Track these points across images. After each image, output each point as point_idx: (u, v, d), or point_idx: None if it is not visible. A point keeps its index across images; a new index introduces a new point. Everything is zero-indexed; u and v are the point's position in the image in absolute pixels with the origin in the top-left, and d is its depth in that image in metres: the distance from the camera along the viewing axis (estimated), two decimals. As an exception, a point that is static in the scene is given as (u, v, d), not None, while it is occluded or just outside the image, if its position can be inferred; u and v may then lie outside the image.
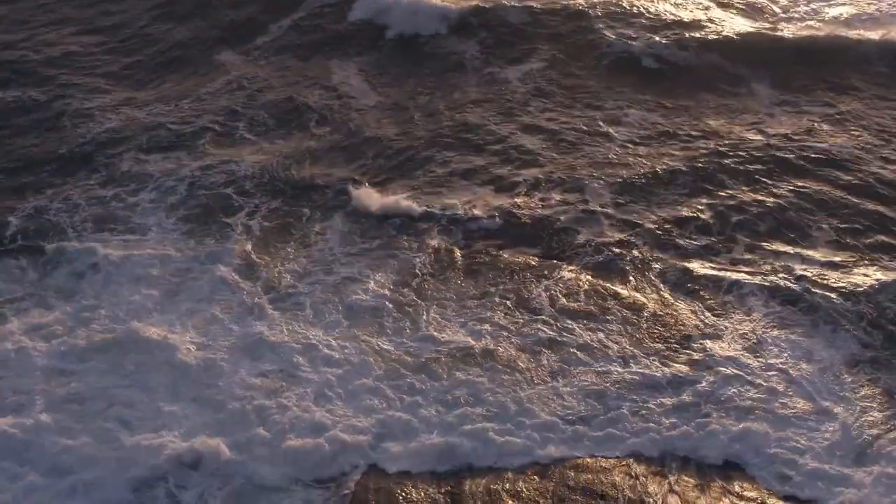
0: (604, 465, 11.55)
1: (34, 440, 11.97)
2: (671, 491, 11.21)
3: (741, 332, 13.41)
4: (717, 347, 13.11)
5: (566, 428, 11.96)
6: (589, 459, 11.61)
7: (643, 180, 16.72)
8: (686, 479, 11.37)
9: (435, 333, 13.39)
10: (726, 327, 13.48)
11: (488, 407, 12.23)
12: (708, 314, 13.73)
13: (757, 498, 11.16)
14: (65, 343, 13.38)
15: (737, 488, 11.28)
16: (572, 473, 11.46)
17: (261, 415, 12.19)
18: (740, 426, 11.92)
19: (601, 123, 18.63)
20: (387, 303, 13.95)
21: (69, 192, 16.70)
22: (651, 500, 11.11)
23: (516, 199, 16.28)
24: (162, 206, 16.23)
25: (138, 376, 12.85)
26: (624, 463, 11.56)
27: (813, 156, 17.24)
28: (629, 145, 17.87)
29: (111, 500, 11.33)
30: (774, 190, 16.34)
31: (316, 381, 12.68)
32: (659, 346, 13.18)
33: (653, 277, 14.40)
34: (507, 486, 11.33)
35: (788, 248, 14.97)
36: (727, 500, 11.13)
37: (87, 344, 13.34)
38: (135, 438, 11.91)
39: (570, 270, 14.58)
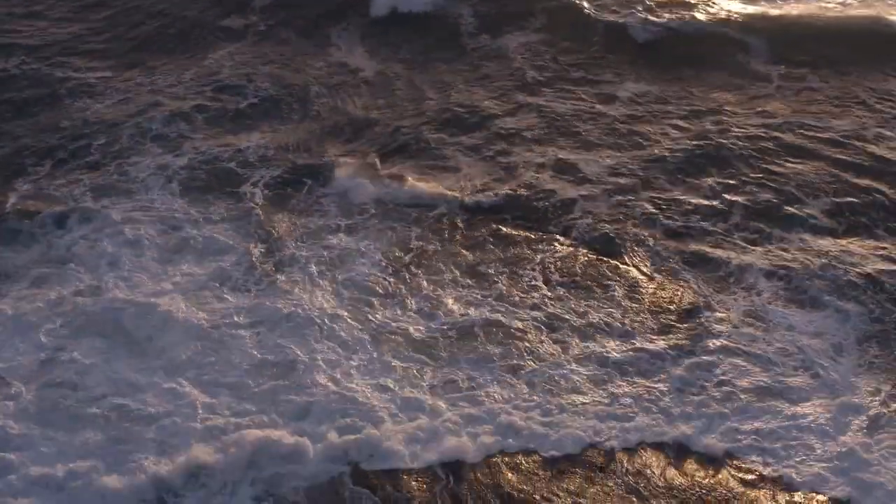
0: (605, 440, 11.55)
1: (24, 432, 11.56)
2: (670, 465, 11.27)
3: (745, 308, 13.39)
4: (720, 324, 13.09)
5: (566, 406, 11.95)
6: (590, 435, 11.60)
7: (641, 155, 16.71)
8: (687, 456, 11.39)
9: (433, 311, 13.34)
10: (729, 304, 13.45)
11: (487, 387, 12.19)
12: (710, 291, 13.70)
13: (761, 474, 11.16)
14: (61, 319, 13.17)
15: (739, 465, 11.28)
16: (570, 444, 11.48)
17: (271, 398, 12.02)
18: (744, 404, 11.91)
19: (598, 98, 18.60)
20: (384, 278, 13.92)
21: (70, 164, 16.66)
22: (650, 471, 11.19)
23: (514, 175, 16.24)
24: (163, 178, 16.19)
25: (139, 356, 12.64)
26: (625, 439, 11.55)
27: (812, 133, 17.21)
28: (627, 120, 17.84)
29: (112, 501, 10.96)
30: (775, 167, 16.31)
31: (318, 361, 12.53)
32: (660, 323, 13.17)
33: (653, 254, 14.38)
34: (507, 459, 11.37)
35: (791, 224, 14.97)
36: (726, 472, 11.18)
37: (86, 320, 13.15)
38: (137, 430, 11.59)
39: (570, 246, 14.58)
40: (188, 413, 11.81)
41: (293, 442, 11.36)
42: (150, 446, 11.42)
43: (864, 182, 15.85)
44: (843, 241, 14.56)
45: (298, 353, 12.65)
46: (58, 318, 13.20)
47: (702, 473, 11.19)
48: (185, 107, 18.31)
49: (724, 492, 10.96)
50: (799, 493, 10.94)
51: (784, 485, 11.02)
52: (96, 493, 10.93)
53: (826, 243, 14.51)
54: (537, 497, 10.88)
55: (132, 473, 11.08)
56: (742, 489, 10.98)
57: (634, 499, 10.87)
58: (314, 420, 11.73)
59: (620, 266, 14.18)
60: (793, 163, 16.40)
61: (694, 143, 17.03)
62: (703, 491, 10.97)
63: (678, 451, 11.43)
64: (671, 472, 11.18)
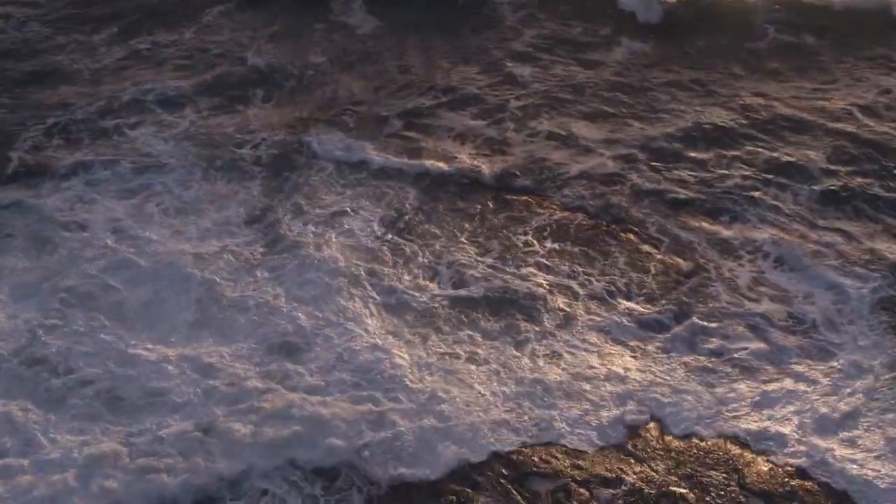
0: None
1: (12, 408, 11.25)
2: (668, 429, 11.26)
3: (749, 275, 13.31)
4: (723, 291, 13.03)
5: (567, 371, 11.91)
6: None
7: (642, 124, 16.69)
8: (687, 420, 11.34)
9: (434, 278, 13.30)
10: (735, 271, 13.39)
11: (487, 365, 12.03)
12: (713, 258, 13.62)
13: (761, 439, 11.11)
14: (60, 284, 13.05)
15: (738, 431, 11.20)
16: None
17: (274, 372, 11.80)
18: (746, 370, 11.84)
19: (597, 67, 18.58)
20: (383, 243, 13.91)
21: (70, 127, 16.68)
22: (648, 434, 11.20)
23: (513, 142, 16.24)
24: (163, 142, 16.19)
25: (138, 324, 12.46)
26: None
27: (812, 104, 17.16)
28: (622, 91, 17.82)
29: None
30: (777, 136, 16.28)
31: (322, 332, 12.37)
32: (662, 289, 13.12)
33: (655, 222, 14.33)
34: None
35: (795, 192, 14.90)
36: (725, 437, 11.17)
37: (85, 285, 13.04)
38: (132, 406, 11.32)
39: (570, 213, 14.55)
40: (186, 388, 11.56)
41: (299, 420, 11.12)
42: (144, 423, 11.12)
43: (869, 153, 15.78)
44: (848, 212, 14.51)
45: (302, 325, 12.47)
46: (56, 283, 13.10)
47: (700, 438, 11.16)
48: (186, 71, 18.36)
49: (721, 455, 10.96)
50: (797, 457, 10.87)
51: (783, 450, 10.95)
52: (88, 477, 10.50)
53: (830, 212, 14.46)
54: (535, 459, 10.89)
55: (126, 456, 10.76)
56: (739, 451, 10.98)
57: (632, 461, 10.89)
58: (321, 396, 11.47)
59: (622, 234, 14.16)
60: (794, 132, 16.36)
61: (693, 111, 17.00)
62: (701, 454, 10.97)
63: (677, 416, 11.37)
64: (669, 437, 11.18)
